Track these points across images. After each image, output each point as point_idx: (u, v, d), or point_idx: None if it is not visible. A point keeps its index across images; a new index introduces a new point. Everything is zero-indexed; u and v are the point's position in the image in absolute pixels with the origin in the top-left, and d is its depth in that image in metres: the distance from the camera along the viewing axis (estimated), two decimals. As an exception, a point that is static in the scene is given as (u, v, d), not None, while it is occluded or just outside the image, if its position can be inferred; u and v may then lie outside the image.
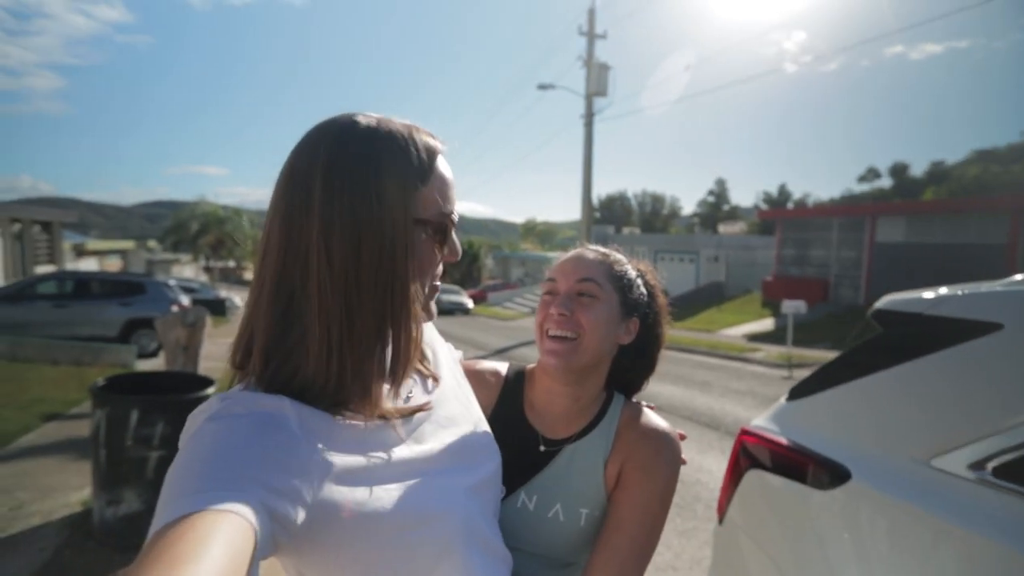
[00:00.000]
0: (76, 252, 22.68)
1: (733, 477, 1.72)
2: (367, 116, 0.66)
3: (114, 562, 2.84)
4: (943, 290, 1.44)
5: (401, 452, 0.65)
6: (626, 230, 43.81)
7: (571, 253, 0.94)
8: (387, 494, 0.61)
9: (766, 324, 17.31)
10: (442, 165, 0.68)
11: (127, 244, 32.66)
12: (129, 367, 8.24)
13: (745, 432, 1.71)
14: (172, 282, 11.81)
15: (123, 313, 9.80)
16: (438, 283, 0.72)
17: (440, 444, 0.71)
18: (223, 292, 21.74)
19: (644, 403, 0.98)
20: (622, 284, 0.90)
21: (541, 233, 68.61)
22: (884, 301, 1.56)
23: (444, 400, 0.77)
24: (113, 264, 26.10)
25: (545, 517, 0.85)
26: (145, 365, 8.68)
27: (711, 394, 7.87)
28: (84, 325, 9.50)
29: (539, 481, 0.87)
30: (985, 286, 1.38)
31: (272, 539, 0.50)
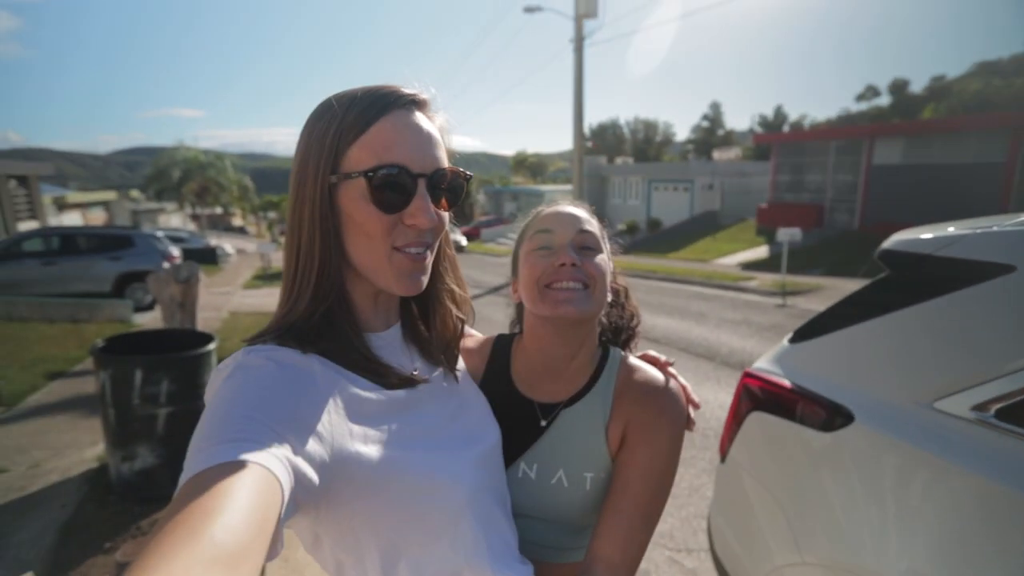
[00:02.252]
0: (57, 206, 22.09)
1: (736, 418, 1.75)
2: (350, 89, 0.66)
3: (135, 514, 2.95)
4: (952, 229, 1.41)
5: (411, 421, 0.68)
6: (619, 159, 42.91)
7: (557, 207, 0.90)
8: (400, 460, 0.63)
9: (760, 252, 17.36)
10: (392, 120, 0.64)
11: (109, 195, 31.78)
12: (127, 322, 8.25)
13: (748, 374, 1.73)
14: (160, 233, 11.59)
15: (114, 268, 9.69)
16: (417, 251, 0.67)
17: (444, 417, 0.73)
18: (213, 240, 21.45)
19: (640, 356, 0.96)
20: (603, 235, 0.91)
21: (532, 165, 67.29)
22: (891, 241, 1.53)
23: (437, 370, 0.79)
24: (97, 217, 25.53)
25: (548, 485, 0.85)
26: (142, 319, 8.70)
27: (706, 325, 8.00)
28: (75, 282, 9.42)
29: (538, 449, 0.86)
30: (996, 225, 1.34)
31: (294, 498, 0.50)
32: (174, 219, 34.06)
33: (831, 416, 1.40)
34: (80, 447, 3.86)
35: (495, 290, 12.49)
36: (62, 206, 22.79)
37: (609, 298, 0.90)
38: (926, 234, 1.44)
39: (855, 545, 1.28)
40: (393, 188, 0.63)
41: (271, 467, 0.47)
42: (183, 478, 0.45)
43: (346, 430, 0.60)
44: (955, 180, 15.04)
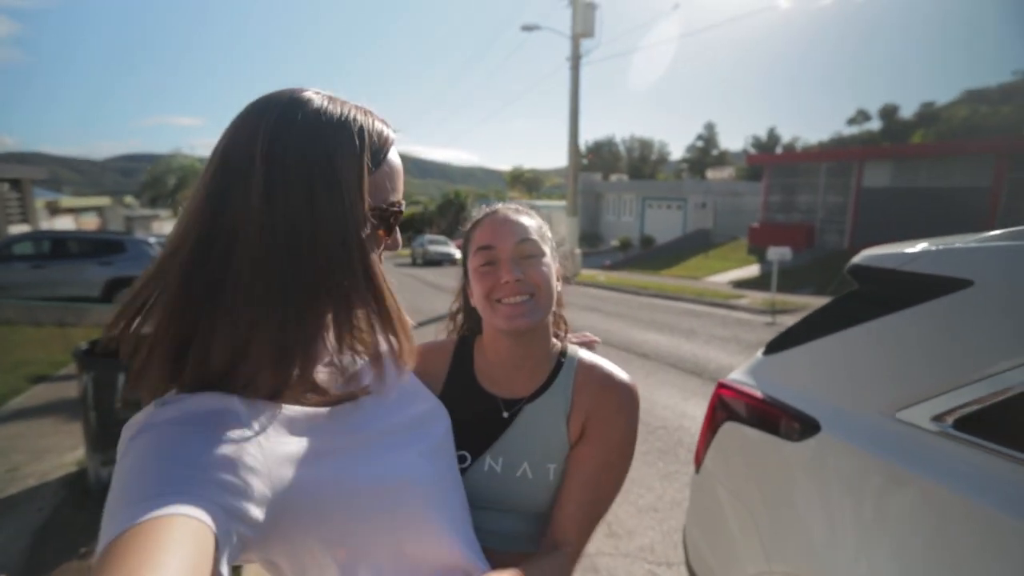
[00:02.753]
0: (50, 210, 21.98)
1: (710, 428, 1.77)
2: (315, 94, 0.62)
3: (113, 519, 2.92)
4: (919, 245, 1.45)
5: (352, 431, 0.65)
6: (614, 176, 43.28)
7: (494, 216, 0.92)
8: (345, 473, 0.61)
9: (751, 271, 17.50)
10: (393, 154, 0.66)
11: (103, 200, 31.70)
12: (115, 327, 8.18)
13: (722, 385, 1.76)
14: (153, 240, 11.55)
15: (104, 272, 9.64)
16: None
17: (389, 416, 0.72)
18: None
19: (585, 340, 1.04)
20: (545, 235, 0.93)
21: (528, 181, 67.60)
22: (860, 256, 1.57)
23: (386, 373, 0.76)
24: (90, 222, 25.42)
25: (514, 477, 0.88)
26: (131, 324, 8.63)
27: (696, 341, 8.04)
28: (64, 286, 9.35)
29: (503, 443, 0.89)
30: (960, 241, 1.39)
31: (237, 537, 0.48)
32: (167, 226, 33.92)
33: (799, 426, 1.43)
34: (60, 451, 3.82)
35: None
36: (55, 210, 22.67)
37: (559, 287, 0.95)
38: (891, 250, 1.49)
39: (821, 554, 1.31)
40: (396, 221, 0.70)
41: (199, 516, 0.44)
42: (101, 543, 0.41)
43: (283, 457, 0.56)
44: (942, 203, 15.28)
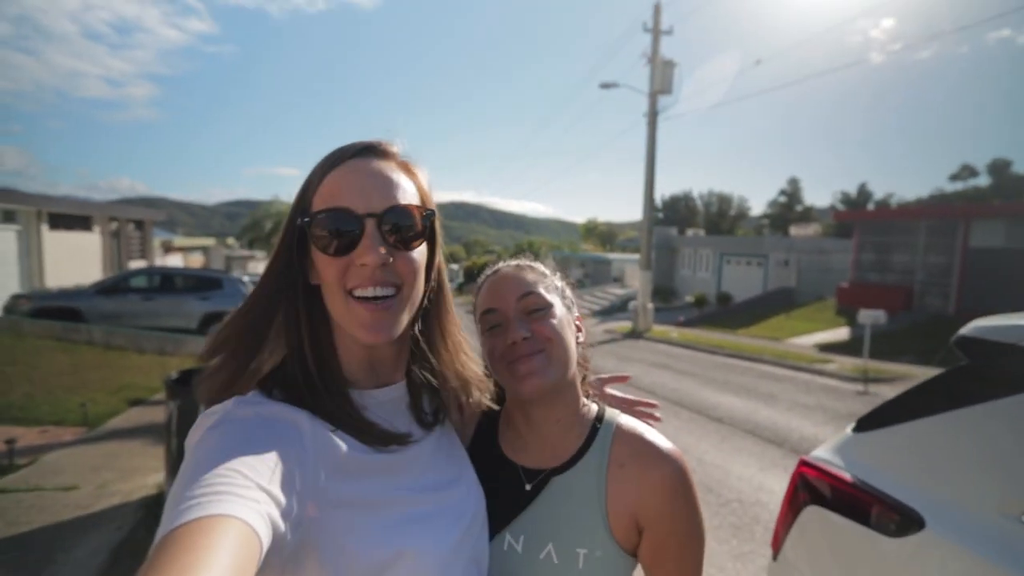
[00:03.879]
0: (164, 248, 24.54)
1: (791, 510, 1.60)
2: None
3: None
4: (1042, 317, 1.27)
5: (391, 486, 0.65)
6: (690, 231, 42.38)
7: (494, 277, 0.87)
8: (371, 524, 0.61)
9: (840, 334, 16.24)
10: (346, 167, 0.66)
11: (208, 241, 35.00)
12: (206, 358, 8.81)
13: (805, 463, 1.59)
14: (246, 278, 12.53)
15: (202, 307, 10.51)
16: (368, 291, 0.64)
17: (429, 484, 0.70)
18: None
19: (615, 378, 0.96)
20: (552, 282, 0.87)
21: (602, 233, 67.70)
22: (970, 328, 1.39)
23: (429, 435, 0.76)
24: (195, 260, 28.01)
25: (536, 559, 0.79)
26: (220, 356, 9.26)
27: (776, 407, 7.46)
28: (168, 317, 10.27)
29: (525, 519, 0.81)
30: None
31: (276, 551, 0.49)
32: (261, 266, 36.73)
33: (898, 518, 1.25)
34: (145, 472, 4.07)
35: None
36: (168, 248, 25.27)
37: (581, 338, 0.89)
38: (1009, 321, 1.31)
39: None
40: (336, 230, 0.63)
41: (252, 523, 0.45)
42: (162, 530, 0.44)
43: (329, 489, 0.59)
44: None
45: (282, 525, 0.50)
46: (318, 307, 0.68)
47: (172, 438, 3.26)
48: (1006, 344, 1.26)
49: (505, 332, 0.81)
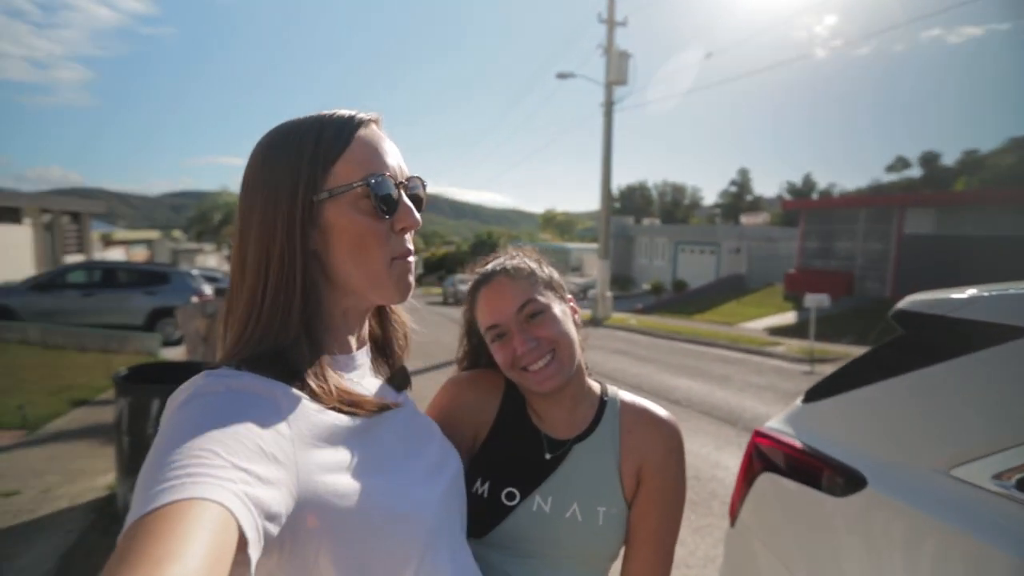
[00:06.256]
0: (104, 242, 23.26)
1: (746, 479, 1.69)
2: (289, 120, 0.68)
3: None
4: (968, 291, 1.38)
5: (374, 448, 0.66)
6: (646, 221, 43.26)
7: (488, 290, 0.89)
8: (364, 489, 0.61)
9: (788, 317, 17.00)
10: (367, 135, 0.66)
11: (153, 234, 33.45)
12: (154, 355, 8.45)
13: (759, 434, 1.68)
14: (195, 272, 12.03)
15: (148, 302, 10.04)
16: (411, 258, 0.69)
17: (407, 443, 0.72)
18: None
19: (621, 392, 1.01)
20: (542, 279, 0.90)
21: (560, 224, 68.31)
22: (906, 302, 1.50)
23: (401, 395, 0.78)
24: (139, 254, 26.70)
25: (563, 518, 0.87)
26: (170, 353, 8.90)
27: (730, 389, 7.78)
28: (111, 313, 9.77)
29: (553, 482, 0.89)
30: (1013, 288, 1.32)
31: (260, 531, 0.47)
32: (211, 259, 35.30)
33: (843, 480, 1.34)
34: (93, 475, 3.89)
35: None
36: (108, 242, 23.96)
37: (578, 320, 0.94)
38: (940, 295, 1.42)
39: (869, 622, 1.20)
40: (388, 196, 0.65)
41: (229, 505, 0.43)
42: (131, 516, 0.41)
43: (312, 460, 0.57)
44: (991, 253, 14.68)
45: (269, 503, 0.48)
46: (312, 274, 0.66)
47: (123, 436, 3.13)
48: (937, 316, 1.37)
49: (511, 343, 0.86)
